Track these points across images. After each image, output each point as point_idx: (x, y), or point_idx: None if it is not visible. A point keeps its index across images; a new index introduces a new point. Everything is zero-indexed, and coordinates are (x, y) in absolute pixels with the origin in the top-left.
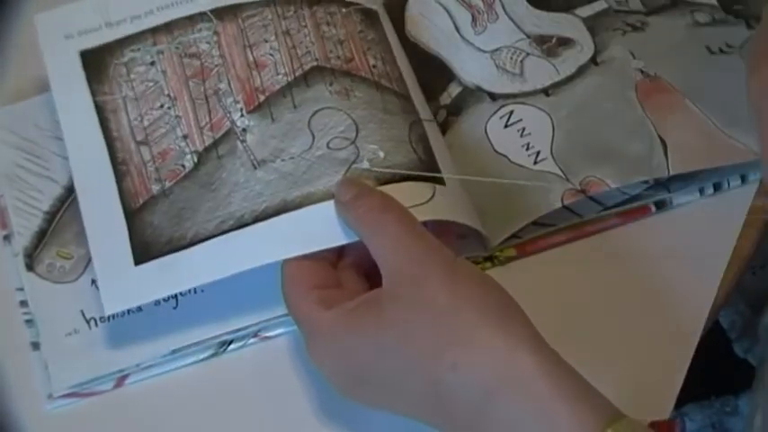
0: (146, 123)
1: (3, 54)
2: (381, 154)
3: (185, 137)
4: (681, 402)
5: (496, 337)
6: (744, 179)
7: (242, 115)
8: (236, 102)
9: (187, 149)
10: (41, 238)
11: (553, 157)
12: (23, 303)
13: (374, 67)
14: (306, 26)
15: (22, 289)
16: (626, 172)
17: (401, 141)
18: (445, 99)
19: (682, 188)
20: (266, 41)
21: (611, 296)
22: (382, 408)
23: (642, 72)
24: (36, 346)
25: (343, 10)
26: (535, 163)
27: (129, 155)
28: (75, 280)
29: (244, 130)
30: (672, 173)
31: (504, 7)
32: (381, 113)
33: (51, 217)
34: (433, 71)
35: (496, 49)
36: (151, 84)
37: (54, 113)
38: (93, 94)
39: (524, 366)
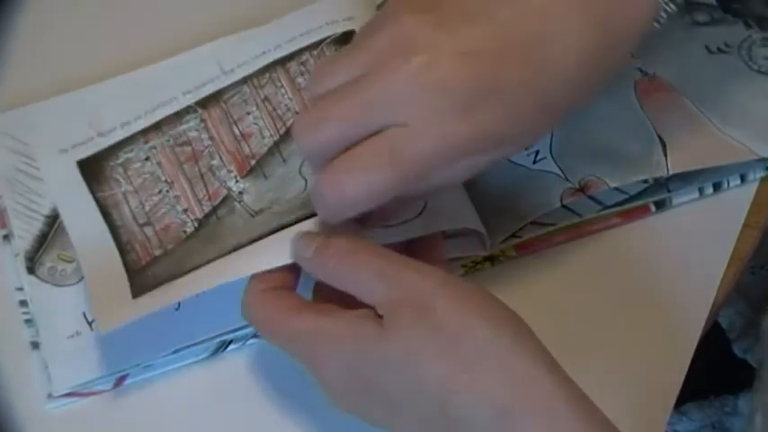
0: (147, 208)
1: (2, 58)
2: None
3: (185, 210)
4: (681, 402)
5: (512, 356)
6: (743, 179)
7: (237, 181)
8: (230, 171)
9: (188, 219)
10: (42, 241)
11: (552, 156)
12: (23, 303)
13: None
14: (282, 86)
15: (21, 289)
16: (625, 171)
17: None
18: None
19: (681, 188)
20: (248, 113)
21: (611, 296)
22: (383, 426)
23: (641, 71)
24: (36, 345)
25: (314, 52)
26: (534, 162)
27: (133, 236)
28: (77, 283)
29: (240, 192)
30: (671, 172)
31: None
32: None
33: (52, 221)
34: None
35: None
36: (148, 175)
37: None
38: (93, 192)
39: (542, 387)
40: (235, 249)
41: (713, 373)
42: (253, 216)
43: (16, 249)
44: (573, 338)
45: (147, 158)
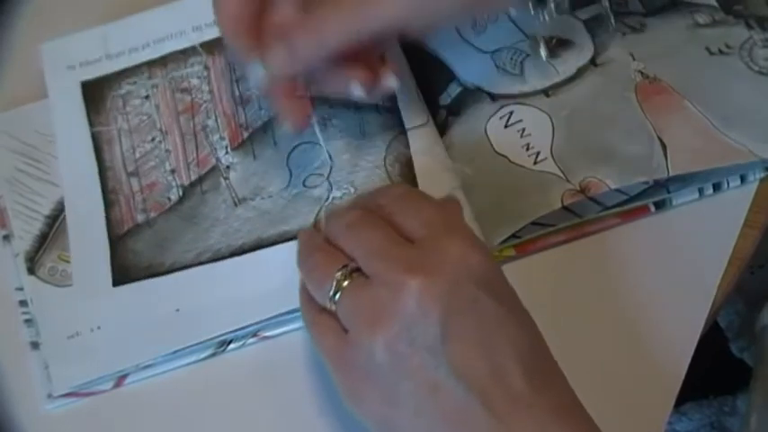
0: (137, 155)
1: (3, 59)
2: (352, 190)
3: (173, 171)
4: (680, 401)
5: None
6: (743, 179)
7: (227, 152)
8: (222, 138)
9: (174, 183)
10: (42, 241)
11: (553, 157)
12: (23, 303)
13: None
14: None
15: (21, 289)
16: (626, 173)
17: (375, 167)
18: (445, 99)
19: (681, 188)
20: None
21: (611, 296)
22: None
23: (642, 74)
24: (35, 345)
25: None
26: (535, 163)
27: (119, 185)
28: None
29: (228, 167)
30: (671, 174)
31: None
32: (358, 139)
33: (52, 221)
34: (433, 71)
35: (497, 50)
36: (145, 117)
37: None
38: (91, 124)
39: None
40: (214, 258)
41: (712, 372)
42: (235, 205)
43: (16, 249)
44: (573, 338)
45: (147, 97)
